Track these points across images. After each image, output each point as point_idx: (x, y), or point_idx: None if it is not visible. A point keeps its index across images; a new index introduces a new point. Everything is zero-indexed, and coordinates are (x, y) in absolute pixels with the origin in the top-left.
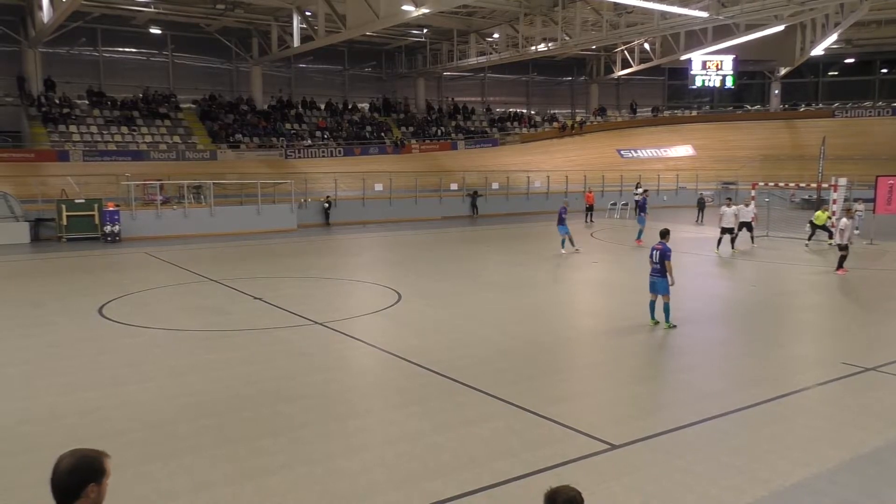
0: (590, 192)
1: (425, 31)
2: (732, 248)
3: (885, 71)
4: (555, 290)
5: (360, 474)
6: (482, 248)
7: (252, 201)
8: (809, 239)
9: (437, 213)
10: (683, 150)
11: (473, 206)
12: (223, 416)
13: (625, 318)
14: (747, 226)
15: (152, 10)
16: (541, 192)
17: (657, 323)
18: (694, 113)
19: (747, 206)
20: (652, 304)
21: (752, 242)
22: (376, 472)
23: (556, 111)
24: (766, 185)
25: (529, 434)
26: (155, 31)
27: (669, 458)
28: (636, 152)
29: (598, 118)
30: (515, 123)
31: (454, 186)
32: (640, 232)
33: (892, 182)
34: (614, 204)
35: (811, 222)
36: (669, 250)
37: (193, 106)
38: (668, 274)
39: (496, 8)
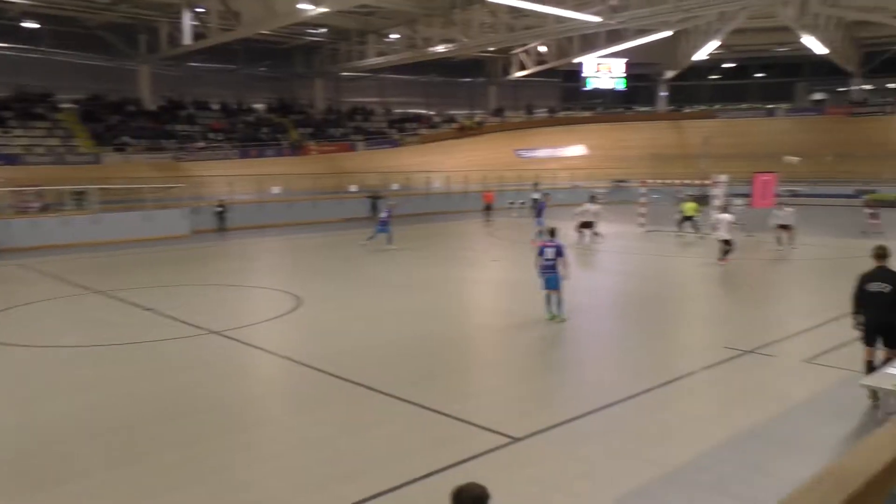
0: (488, 191)
1: (323, 30)
2: (588, 241)
3: (760, 75)
4: (455, 290)
5: (262, 485)
6: (383, 251)
7: (141, 207)
8: (679, 228)
9: (337, 216)
10: (578, 150)
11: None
12: (115, 434)
13: (522, 314)
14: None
15: (26, 1)
16: (441, 193)
17: (554, 317)
18: (587, 114)
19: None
20: (548, 299)
21: (588, 239)
22: (279, 481)
23: (455, 112)
24: (656, 182)
25: (433, 433)
26: (29, 24)
27: (568, 447)
28: (533, 152)
29: (497, 119)
30: (415, 124)
31: (354, 188)
32: (538, 233)
33: (766, 178)
34: (512, 203)
35: (681, 212)
36: (564, 246)
37: (74, 106)
38: (563, 269)
39: (395, 8)
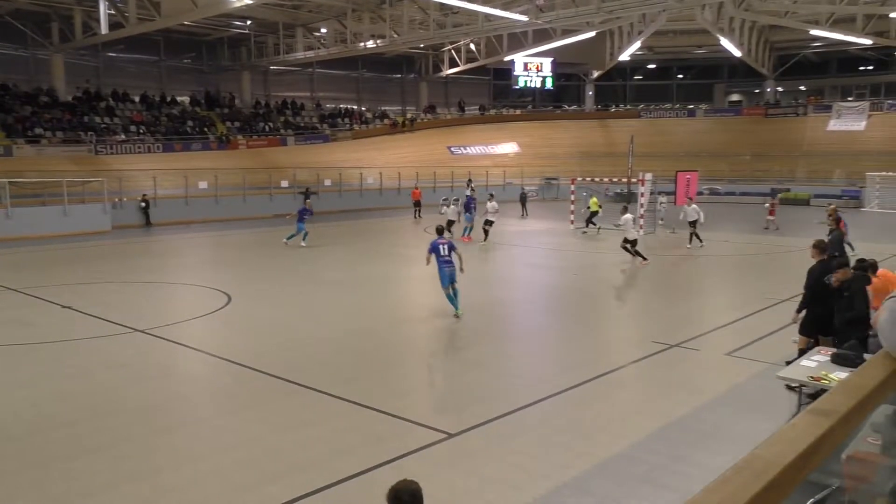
0: (416, 188)
1: (249, 22)
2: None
3: (681, 76)
4: (389, 286)
5: (191, 487)
6: (316, 246)
7: (57, 201)
8: (587, 225)
9: (267, 211)
10: (509, 147)
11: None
12: (28, 437)
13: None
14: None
15: None
16: (374, 189)
17: (460, 313)
18: (518, 112)
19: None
20: (450, 297)
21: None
22: (210, 482)
23: (387, 108)
24: (584, 180)
25: (368, 430)
26: None
27: (503, 441)
28: (466, 149)
29: (429, 116)
30: (346, 120)
31: (285, 184)
32: (467, 229)
33: (688, 176)
34: (445, 199)
35: (588, 208)
36: (453, 242)
37: None
38: (459, 262)
39: (323, 2)
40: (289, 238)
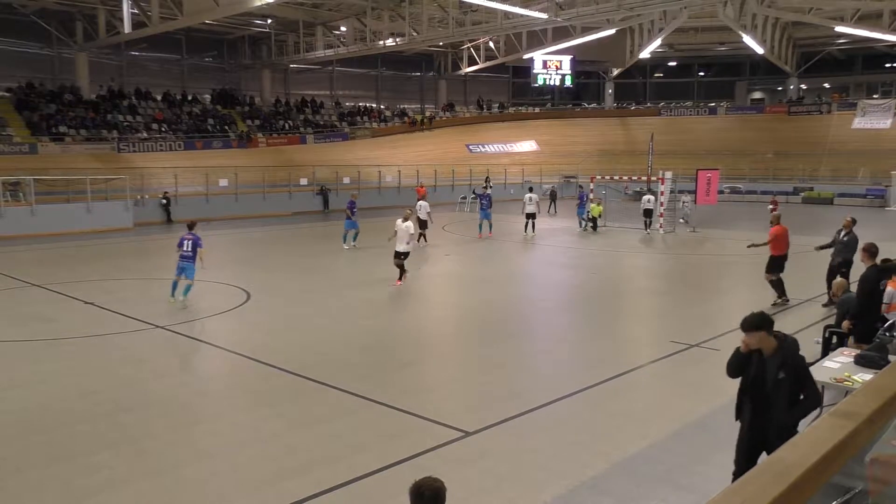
0: (421, 186)
1: (269, 21)
2: (533, 231)
3: (702, 74)
4: (407, 284)
5: (210, 482)
6: (334, 244)
7: (81, 199)
8: (593, 227)
9: (286, 209)
10: (528, 146)
11: (325, 201)
12: (52, 431)
13: (473, 308)
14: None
15: None
16: (392, 187)
17: (174, 302)
18: (537, 110)
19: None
20: (174, 284)
21: (532, 230)
22: (228, 477)
23: (406, 106)
24: (603, 178)
25: (385, 427)
26: None
27: (520, 440)
28: (484, 147)
29: (447, 113)
30: (365, 118)
31: (304, 181)
32: (486, 225)
33: (709, 175)
34: (464, 198)
35: (588, 212)
36: (200, 239)
37: (7, 94)
38: (199, 261)
39: (343, 1)
40: (352, 240)
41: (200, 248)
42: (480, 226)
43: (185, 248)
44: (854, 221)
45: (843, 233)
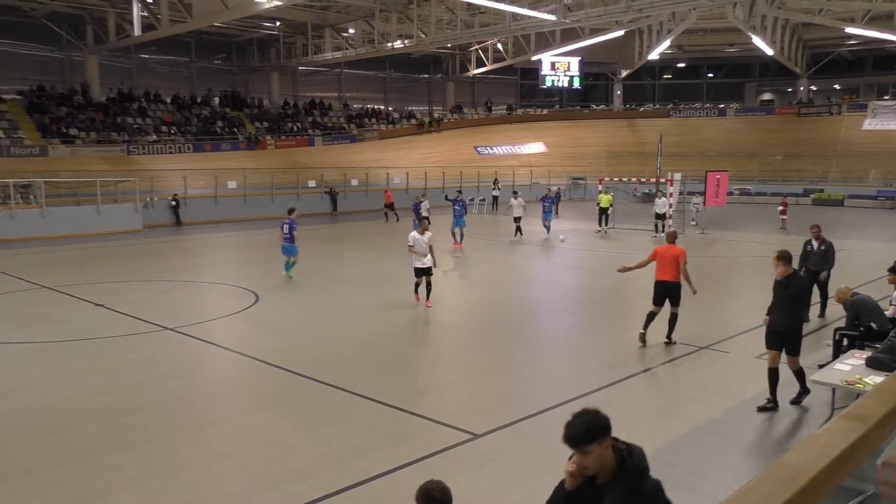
0: (388, 190)
1: (278, 23)
2: (521, 234)
3: (711, 75)
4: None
5: (217, 483)
6: (342, 246)
7: (91, 201)
8: (598, 224)
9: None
10: (536, 147)
11: (333, 203)
12: (61, 433)
13: (481, 309)
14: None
15: None
16: (400, 189)
17: None
18: (545, 112)
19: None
20: (286, 264)
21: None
22: (235, 479)
23: (414, 108)
24: (612, 179)
25: (392, 429)
26: None
27: (528, 442)
28: (492, 149)
29: (455, 115)
30: (373, 120)
31: (312, 183)
32: (458, 234)
33: (718, 176)
34: (472, 200)
35: (598, 204)
36: (294, 222)
37: (18, 97)
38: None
39: (351, 3)
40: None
41: (294, 230)
42: (453, 233)
43: (284, 231)
44: (820, 228)
45: (815, 244)
